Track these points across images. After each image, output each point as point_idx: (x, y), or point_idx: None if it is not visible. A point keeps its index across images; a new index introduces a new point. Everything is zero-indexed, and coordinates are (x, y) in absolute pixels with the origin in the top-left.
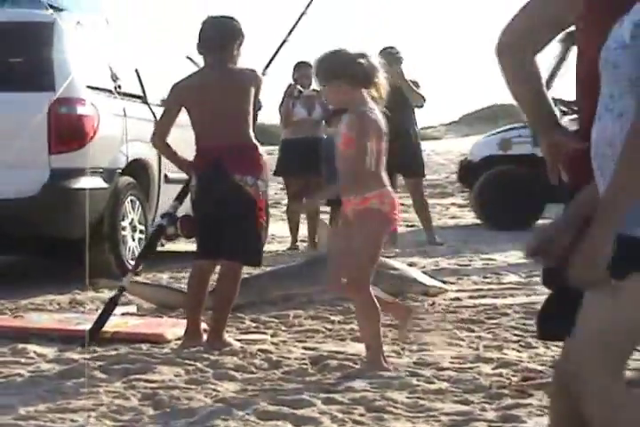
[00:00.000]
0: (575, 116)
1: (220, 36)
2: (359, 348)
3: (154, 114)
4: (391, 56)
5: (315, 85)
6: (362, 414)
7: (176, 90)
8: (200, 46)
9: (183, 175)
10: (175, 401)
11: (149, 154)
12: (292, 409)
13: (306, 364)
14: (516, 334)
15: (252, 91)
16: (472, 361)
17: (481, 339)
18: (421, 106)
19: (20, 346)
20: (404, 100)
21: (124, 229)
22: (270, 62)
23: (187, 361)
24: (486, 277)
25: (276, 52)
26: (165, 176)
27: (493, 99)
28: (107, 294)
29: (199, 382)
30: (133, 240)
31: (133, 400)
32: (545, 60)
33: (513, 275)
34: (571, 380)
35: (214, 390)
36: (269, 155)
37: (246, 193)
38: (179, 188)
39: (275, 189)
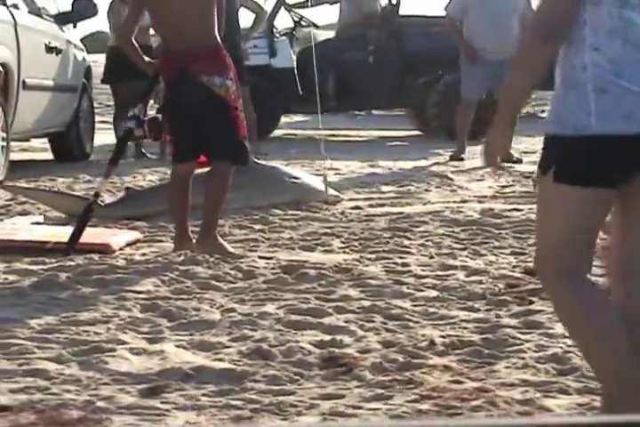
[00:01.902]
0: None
1: None
2: (316, 256)
3: (13, 16)
4: None
5: None
6: (384, 322)
7: None
8: None
9: (41, 82)
10: (184, 312)
11: (10, 58)
12: (315, 318)
13: (278, 273)
14: (456, 242)
15: None
16: (440, 269)
17: (425, 247)
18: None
19: None
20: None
21: None
22: None
23: (157, 271)
24: (362, 187)
25: None
26: (24, 82)
27: None
28: None
29: (188, 293)
30: None
31: (136, 312)
32: None
33: (384, 186)
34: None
35: (211, 300)
36: (94, 62)
37: (216, 94)
38: (35, 94)
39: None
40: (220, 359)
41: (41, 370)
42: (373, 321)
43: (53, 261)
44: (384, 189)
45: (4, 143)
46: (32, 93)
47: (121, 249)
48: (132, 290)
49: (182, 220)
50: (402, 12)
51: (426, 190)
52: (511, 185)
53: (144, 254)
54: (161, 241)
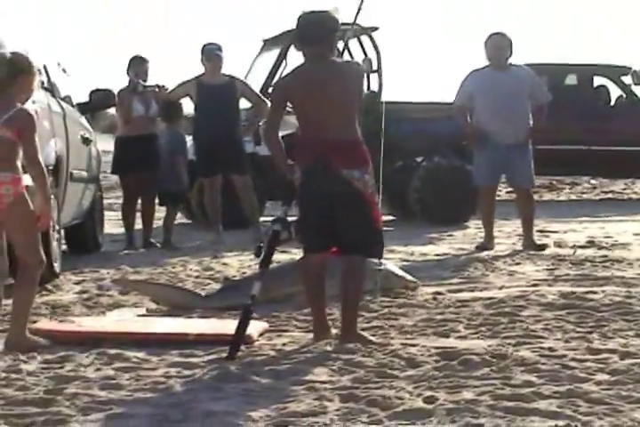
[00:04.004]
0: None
1: (320, 30)
2: (459, 343)
3: (62, 108)
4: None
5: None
6: (591, 407)
7: (282, 85)
8: (300, 40)
9: (80, 173)
10: (389, 401)
11: (63, 150)
12: (525, 404)
13: (440, 360)
14: (575, 326)
15: (358, 84)
16: (590, 353)
17: (551, 331)
18: None
19: (112, 351)
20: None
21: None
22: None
23: (319, 361)
24: (413, 274)
25: None
26: (71, 174)
27: None
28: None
29: (371, 382)
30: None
31: (337, 402)
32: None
33: (438, 271)
34: None
35: (402, 388)
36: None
37: (355, 188)
38: (76, 186)
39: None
40: None
41: None
42: (580, 405)
43: (202, 353)
44: (443, 275)
45: (58, 235)
46: (74, 185)
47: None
48: (313, 380)
49: (320, 310)
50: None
51: (483, 275)
52: (556, 268)
53: (285, 344)
54: (287, 330)
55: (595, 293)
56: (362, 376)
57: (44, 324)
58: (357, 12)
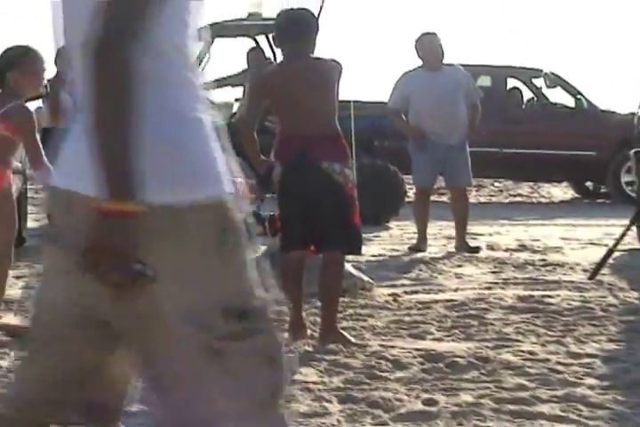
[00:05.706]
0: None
1: (299, 28)
2: (439, 345)
3: None
4: None
5: None
6: (592, 411)
7: (260, 81)
8: (279, 38)
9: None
10: (390, 403)
11: None
12: (529, 407)
13: (425, 362)
14: (546, 329)
15: (336, 80)
16: (571, 357)
17: (524, 335)
18: None
19: None
20: None
21: None
22: None
23: (304, 361)
24: (364, 272)
25: None
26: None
27: None
28: None
29: (363, 383)
30: None
31: (336, 404)
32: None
33: (387, 273)
34: None
35: (396, 390)
36: None
37: (335, 181)
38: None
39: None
40: None
41: None
42: (582, 410)
43: None
44: (390, 275)
45: None
46: None
47: None
48: (305, 380)
49: (297, 310)
50: None
51: (431, 276)
52: (501, 271)
53: None
54: None
55: (551, 297)
56: (352, 378)
57: None
58: (319, 11)
